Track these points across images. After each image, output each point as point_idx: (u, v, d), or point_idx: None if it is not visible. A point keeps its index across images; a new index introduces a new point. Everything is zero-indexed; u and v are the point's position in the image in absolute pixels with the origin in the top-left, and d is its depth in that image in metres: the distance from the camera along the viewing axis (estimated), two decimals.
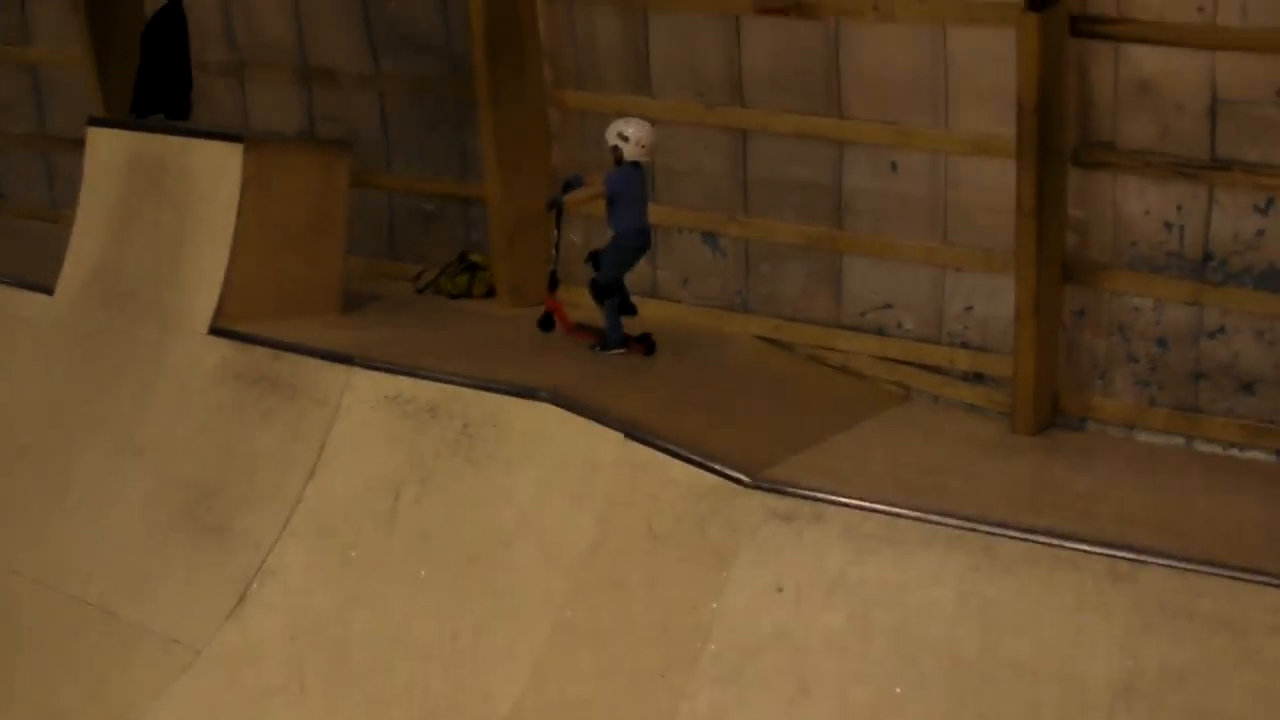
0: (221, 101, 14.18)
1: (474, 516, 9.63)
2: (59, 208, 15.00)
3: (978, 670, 8.13)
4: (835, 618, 8.53)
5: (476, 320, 12.33)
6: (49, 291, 11.90)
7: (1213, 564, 7.99)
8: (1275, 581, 7.83)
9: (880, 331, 11.68)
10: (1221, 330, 10.52)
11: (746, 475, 9.04)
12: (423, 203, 13.73)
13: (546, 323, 11.47)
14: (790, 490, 8.93)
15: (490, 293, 13.07)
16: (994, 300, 11.13)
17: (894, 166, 11.32)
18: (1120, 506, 9.17)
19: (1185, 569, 8.00)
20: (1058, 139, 10.45)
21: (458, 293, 13.10)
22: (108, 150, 11.90)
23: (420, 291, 13.24)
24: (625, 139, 10.92)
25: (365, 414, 10.22)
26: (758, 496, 8.96)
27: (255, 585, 9.88)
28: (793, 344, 12.01)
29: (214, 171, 11.29)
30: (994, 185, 10.86)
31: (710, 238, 12.20)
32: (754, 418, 10.49)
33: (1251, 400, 10.54)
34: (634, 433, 9.37)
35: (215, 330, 11.01)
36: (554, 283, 11.47)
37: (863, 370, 11.72)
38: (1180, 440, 10.77)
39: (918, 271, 11.41)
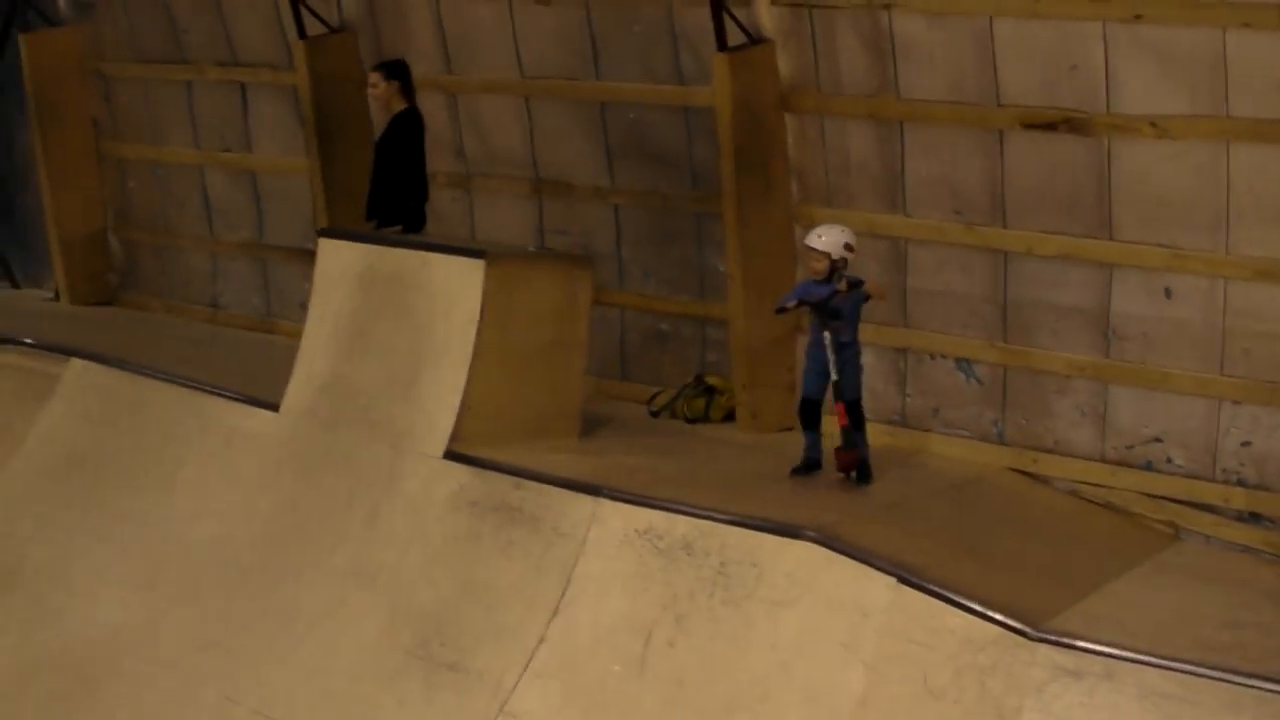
0: (449, 213, 13.78)
1: (732, 663, 8.99)
2: (274, 318, 14.84)
3: None
4: None
5: (720, 447, 11.72)
6: (274, 408, 11.59)
7: None
8: None
9: (1148, 467, 10.92)
10: None
11: (1029, 626, 8.35)
12: (657, 321, 13.22)
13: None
14: (1079, 644, 8.22)
15: (728, 417, 12.51)
16: (1275, 436, 10.37)
17: (1168, 292, 10.64)
18: None
19: None
20: None
21: (695, 417, 12.53)
22: (339, 262, 11.56)
23: (655, 415, 12.69)
24: (852, 250, 10.48)
25: (614, 549, 9.65)
26: (1043, 650, 8.24)
27: None
28: (1051, 478, 11.33)
29: (454, 287, 10.87)
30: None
31: (964, 364, 11.55)
32: (1023, 560, 9.77)
33: None
34: (908, 578, 8.72)
35: (451, 454, 10.55)
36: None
37: (1128, 507, 10.95)
38: None
39: (1191, 404, 10.64)
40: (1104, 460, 11.13)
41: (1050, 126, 10.77)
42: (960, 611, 8.53)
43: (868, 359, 11.47)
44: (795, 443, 10.98)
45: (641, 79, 12.74)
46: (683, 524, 9.54)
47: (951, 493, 10.88)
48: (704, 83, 12.13)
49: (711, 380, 12.68)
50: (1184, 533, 10.79)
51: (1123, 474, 11.04)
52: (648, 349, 13.33)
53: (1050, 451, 11.35)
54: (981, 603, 8.52)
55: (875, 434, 11.44)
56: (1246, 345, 10.40)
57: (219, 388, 12.16)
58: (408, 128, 11.87)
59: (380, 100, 12.05)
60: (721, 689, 8.94)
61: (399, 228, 11.82)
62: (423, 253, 11.13)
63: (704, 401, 12.56)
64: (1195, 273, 10.50)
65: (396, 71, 11.95)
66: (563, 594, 9.65)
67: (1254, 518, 10.54)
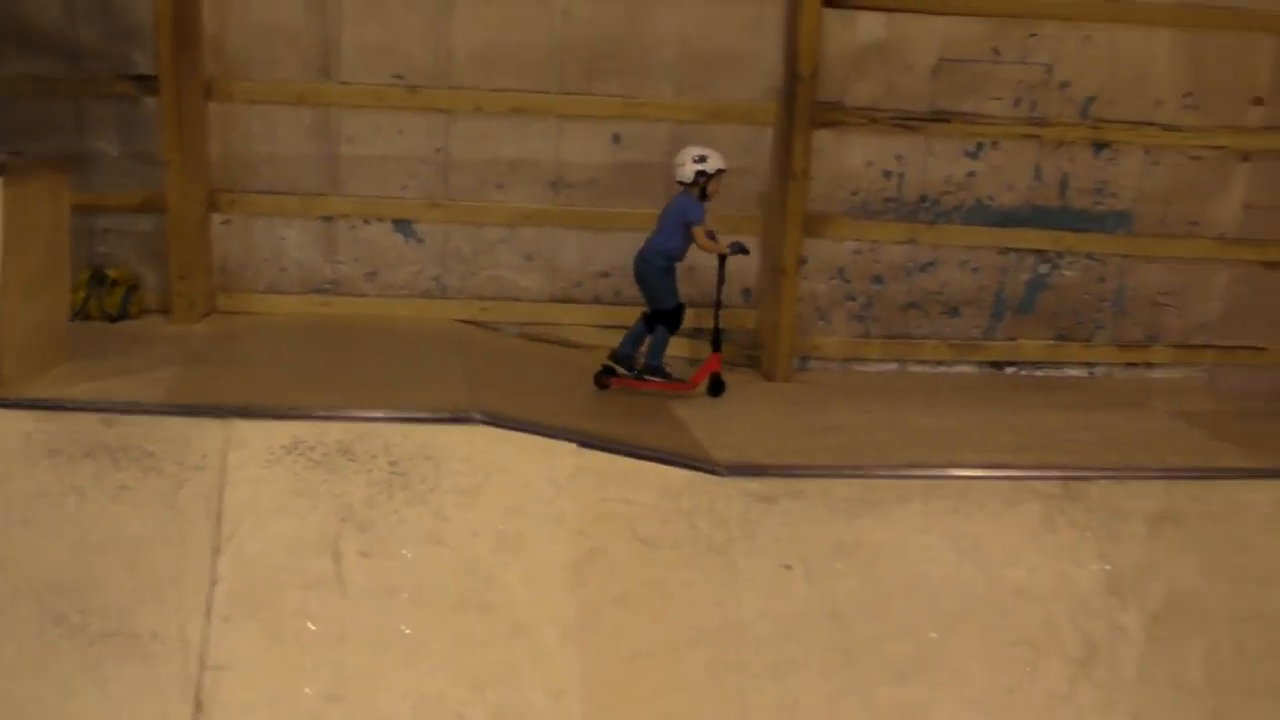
0: None
1: (439, 559, 8.71)
2: None
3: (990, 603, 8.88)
4: (851, 584, 8.83)
5: (221, 344, 10.79)
6: None
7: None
8: None
9: (597, 300, 11.74)
10: (932, 264, 11.71)
11: (715, 465, 9.11)
12: None
13: (719, 387, 10.91)
14: (766, 472, 9.11)
15: (144, 311, 11.61)
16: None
17: (616, 138, 11.40)
18: (995, 437, 10.24)
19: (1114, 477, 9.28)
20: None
21: (116, 315, 11.42)
22: None
23: (71, 319, 11.23)
24: None
25: (262, 471, 8.86)
26: (734, 483, 9.03)
27: (208, 686, 8.45)
28: (500, 324, 11.77)
29: None
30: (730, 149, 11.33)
31: (403, 225, 11.59)
32: (610, 406, 10.34)
33: (957, 322, 11.88)
34: (588, 441, 9.00)
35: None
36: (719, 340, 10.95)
37: (582, 341, 11.74)
38: (894, 365, 11.91)
39: (636, 239, 11.46)
40: (552, 300, 11.79)
41: None
42: (648, 463, 9.05)
43: (291, 233, 11.29)
44: (253, 325, 10.70)
45: None
46: (335, 430, 8.98)
47: (457, 350, 10.99)
48: None
49: (112, 273, 11.58)
50: None
51: (572, 310, 11.77)
52: None
53: (496, 299, 11.80)
54: (666, 451, 9.11)
55: (307, 305, 11.47)
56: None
57: None
58: None
59: None
60: (440, 586, 8.69)
61: None
62: None
63: (120, 297, 11.50)
64: (646, 118, 11.38)
65: None
66: (217, 529, 8.79)
67: (695, 332, 11.68)
